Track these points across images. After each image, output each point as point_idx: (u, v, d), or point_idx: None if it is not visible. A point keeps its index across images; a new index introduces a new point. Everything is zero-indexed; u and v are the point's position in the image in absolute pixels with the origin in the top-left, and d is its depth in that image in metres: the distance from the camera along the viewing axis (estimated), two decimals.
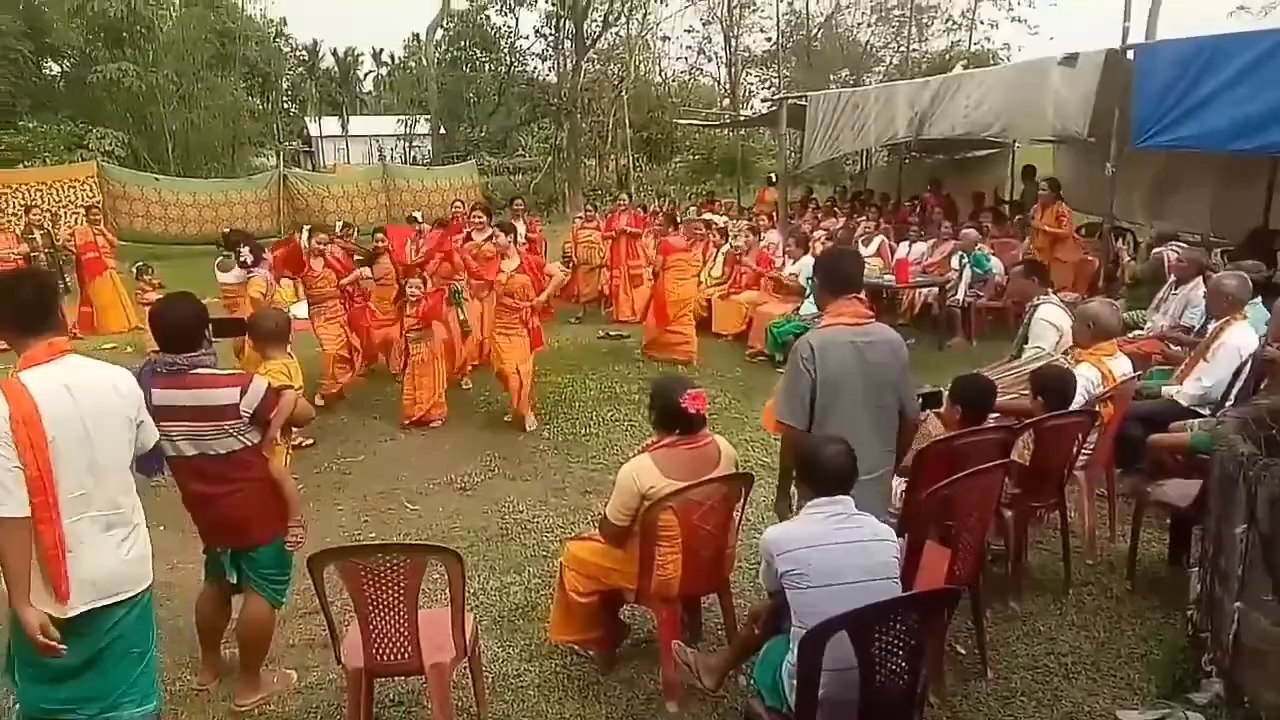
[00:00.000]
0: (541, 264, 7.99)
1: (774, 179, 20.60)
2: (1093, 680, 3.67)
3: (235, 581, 3.60)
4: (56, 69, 28.45)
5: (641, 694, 3.69)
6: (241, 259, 7.63)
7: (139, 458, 3.05)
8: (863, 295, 3.62)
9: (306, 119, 45.32)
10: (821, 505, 2.93)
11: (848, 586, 2.75)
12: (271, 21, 35.21)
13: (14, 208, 16.69)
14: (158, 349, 3.45)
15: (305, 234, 8.51)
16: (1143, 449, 5.01)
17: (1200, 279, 6.88)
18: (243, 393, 3.32)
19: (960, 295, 9.65)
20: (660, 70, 36.20)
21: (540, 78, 33.18)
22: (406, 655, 3.16)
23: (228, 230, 9.64)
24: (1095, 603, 4.24)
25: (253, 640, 3.66)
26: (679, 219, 13.87)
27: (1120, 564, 4.57)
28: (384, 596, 3.09)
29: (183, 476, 3.44)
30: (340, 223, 12.14)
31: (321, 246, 8.08)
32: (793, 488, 3.43)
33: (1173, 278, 7.17)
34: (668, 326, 9.45)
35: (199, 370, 3.32)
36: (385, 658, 3.18)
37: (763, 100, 29.61)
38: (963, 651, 3.83)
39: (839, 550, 2.82)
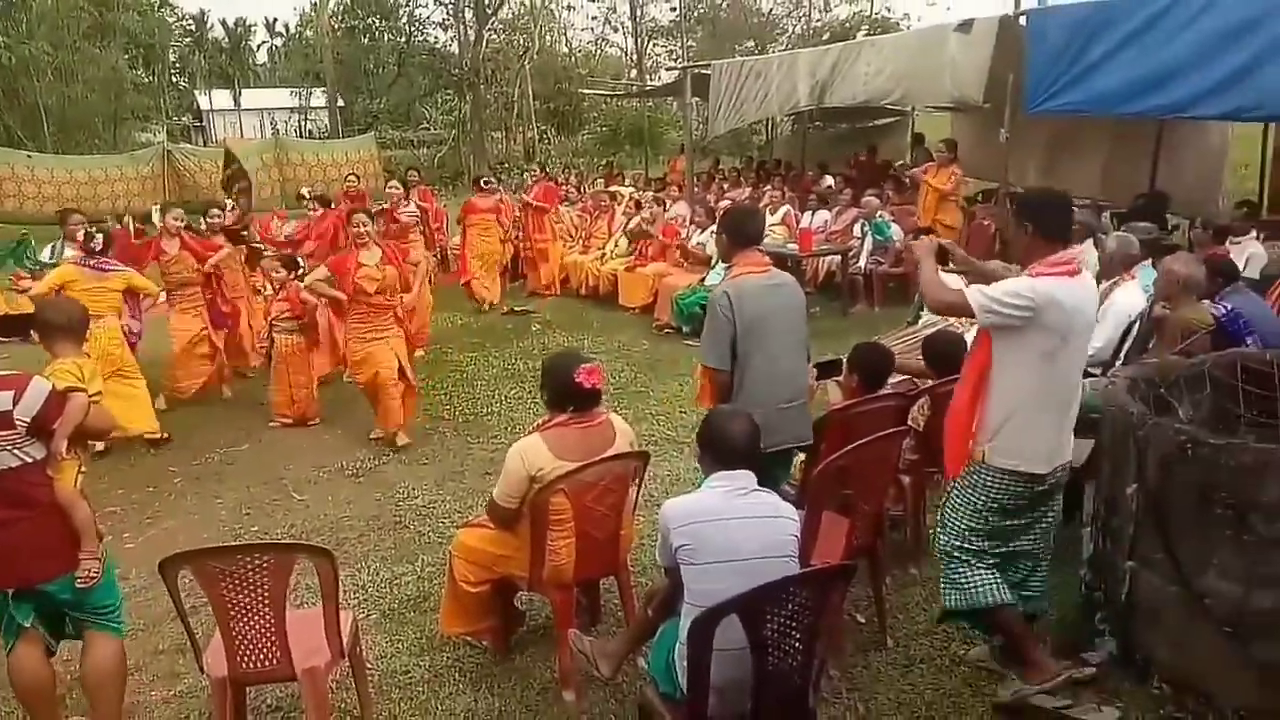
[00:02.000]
0: (406, 252, 7.30)
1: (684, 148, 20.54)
2: (992, 645, 3.64)
3: (29, 624, 3.00)
4: None
5: (537, 684, 3.54)
6: (91, 245, 6.35)
7: None
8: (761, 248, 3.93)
9: (196, 92, 43.38)
10: (722, 479, 2.78)
11: (742, 563, 2.62)
12: None
13: None
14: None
15: (157, 212, 7.81)
16: None
17: (1090, 241, 7.00)
18: (16, 398, 2.81)
19: (862, 263, 9.70)
20: (566, 41, 35.65)
21: (442, 48, 32.32)
22: (275, 661, 2.93)
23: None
24: None
25: (104, 684, 3.11)
26: (585, 190, 13.70)
27: None
28: (247, 601, 2.84)
29: None
30: (229, 200, 11.59)
31: (177, 224, 7.19)
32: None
33: None
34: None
35: None
36: (252, 665, 2.94)
37: (668, 70, 29.39)
38: (862, 620, 3.79)
39: (735, 525, 2.68)
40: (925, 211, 9.84)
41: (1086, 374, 5.10)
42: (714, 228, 9.57)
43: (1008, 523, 3.22)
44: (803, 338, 3.92)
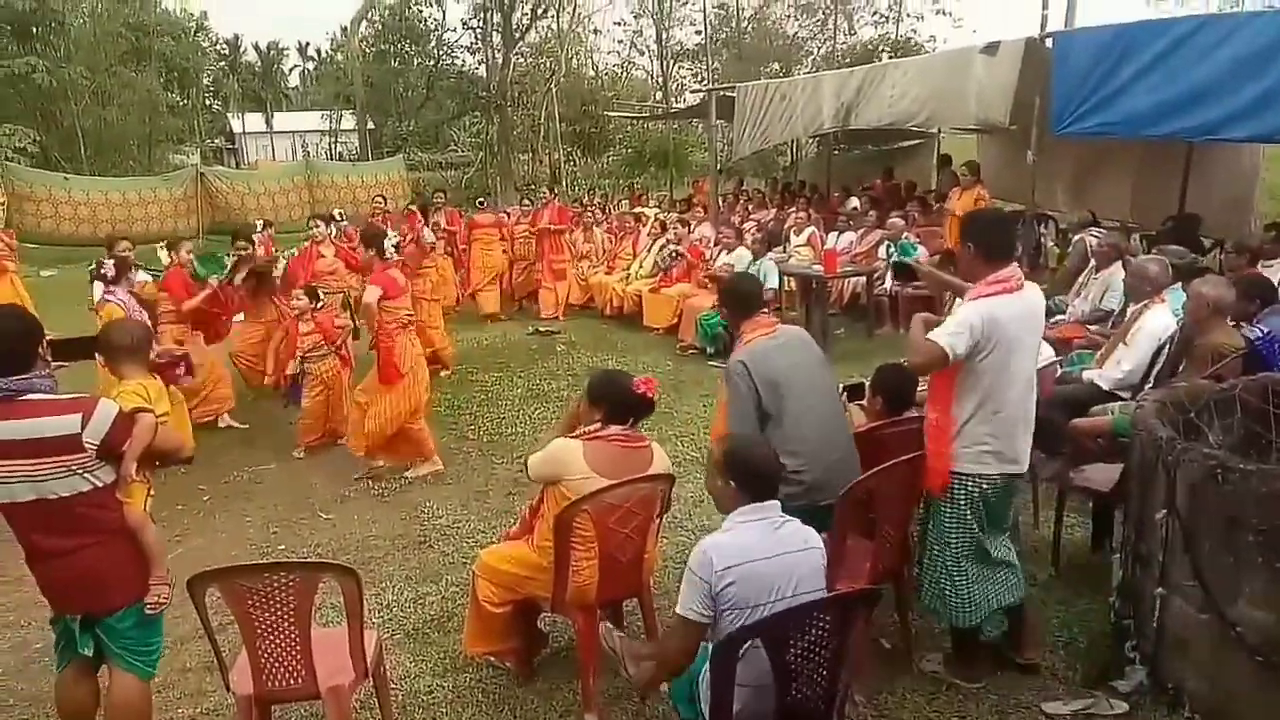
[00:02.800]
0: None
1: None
2: (1018, 671, 3.60)
3: (89, 654, 2.98)
4: None
5: (560, 706, 3.54)
6: (102, 271, 6.33)
7: None
8: (766, 308, 3.89)
9: (229, 115, 44.10)
10: (755, 511, 2.68)
11: (787, 600, 2.57)
12: (191, 15, 34.20)
13: None
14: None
15: (163, 250, 7.58)
16: (1064, 434, 5.00)
17: (1119, 263, 6.95)
18: (85, 420, 2.75)
19: (888, 285, 9.66)
20: (592, 63, 35.91)
21: (470, 71, 32.68)
22: (300, 680, 2.94)
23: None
24: None
25: None
26: (610, 211, 13.77)
27: (1044, 551, 4.55)
28: (273, 619, 2.86)
29: (20, 527, 2.85)
30: (260, 221, 11.72)
31: (189, 256, 7.32)
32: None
33: (1093, 263, 7.23)
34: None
35: (31, 396, 2.75)
36: (277, 683, 2.95)
37: (693, 92, 29.54)
38: (888, 645, 3.75)
39: (777, 561, 2.61)
40: (951, 234, 9.81)
41: (1115, 398, 5.11)
42: (740, 250, 9.64)
43: (987, 529, 3.39)
44: (830, 388, 3.87)
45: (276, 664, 2.93)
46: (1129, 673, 3.43)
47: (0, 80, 23.90)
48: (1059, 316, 7.08)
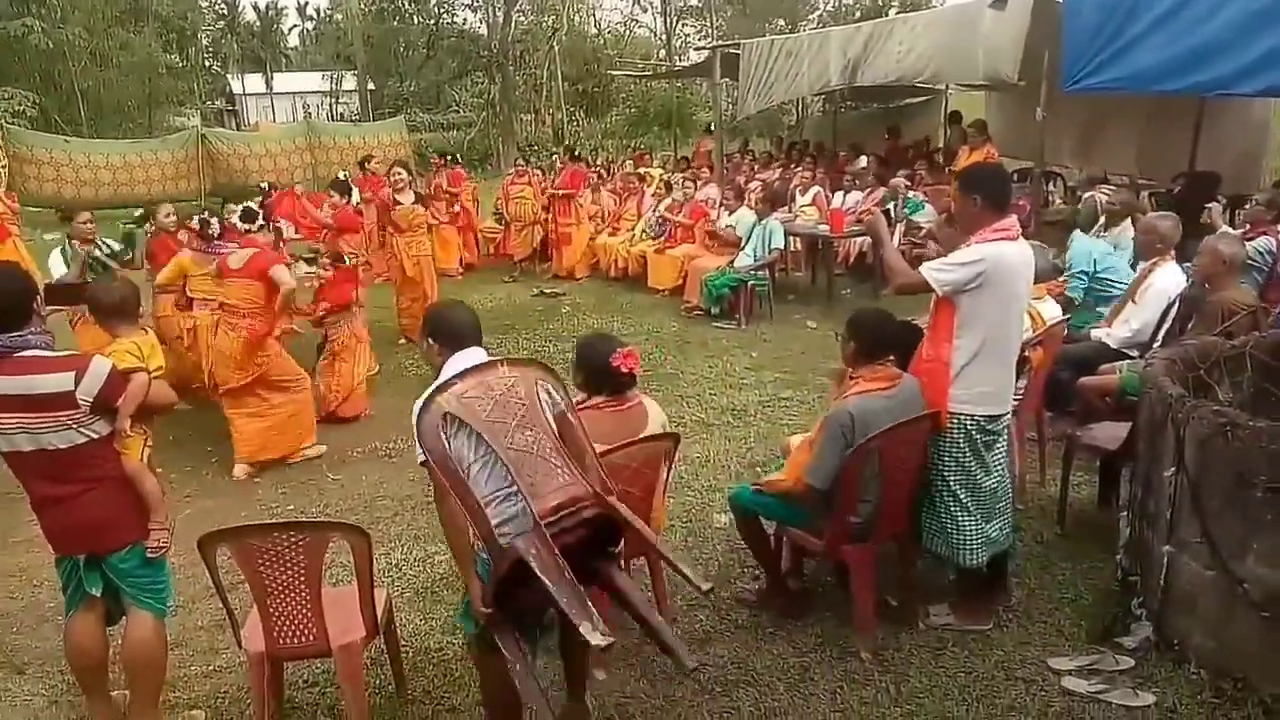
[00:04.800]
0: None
1: (710, 128, 20.38)
2: (1024, 628, 3.63)
3: (97, 593, 3.08)
4: None
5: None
6: (208, 229, 6.09)
7: None
8: (892, 356, 3.59)
9: (229, 77, 43.68)
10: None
11: None
12: None
13: None
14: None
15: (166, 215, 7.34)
16: (1072, 392, 4.99)
17: (1129, 221, 6.89)
18: (78, 377, 2.84)
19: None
20: (595, 21, 35.49)
21: (471, 29, 32.31)
22: (311, 638, 2.97)
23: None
24: (1026, 549, 4.21)
25: (143, 664, 3.14)
26: (613, 172, 13.67)
27: (1051, 509, 4.56)
28: (283, 577, 2.89)
29: (23, 475, 2.98)
30: (264, 183, 11.68)
31: (168, 220, 7.10)
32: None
33: (1102, 220, 7.17)
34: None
35: (26, 352, 2.84)
36: (288, 641, 2.99)
37: (697, 50, 29.17)
38: (894, 602, 3.77)
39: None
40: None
41: (1123, 356, 5.09)
42: (742, 211, 9.56)
43: (982, 466, 3.49)
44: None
45: (288, 622, 2.97)
46: (1135, 629, 3.46)
47: None
48: (1063, 275, 7.02)
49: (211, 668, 3.69)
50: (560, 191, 11.44)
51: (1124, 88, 7.43)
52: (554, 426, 2.65)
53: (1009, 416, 3.60)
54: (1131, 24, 6.95)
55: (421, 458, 2.55)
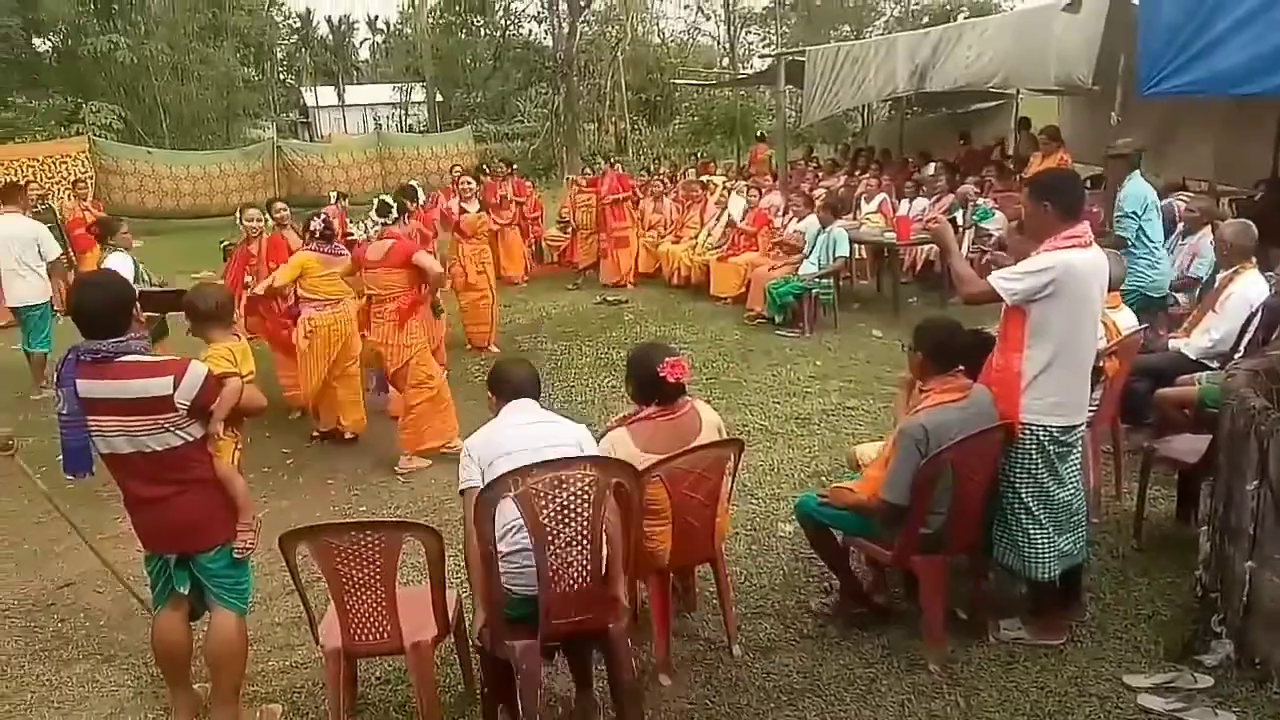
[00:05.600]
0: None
1: (762, 135, 20.33)
2: (1098, 643, 3.55)
3: (185, 591, 3.20)
4: (46, 44, 28.12)
5: (635, 667, 3.58)
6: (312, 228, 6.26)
7: (65, 456, 3.04)
8: (962, 367, 3.56)
9: (302, 89, 44.89)
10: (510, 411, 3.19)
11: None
12: None
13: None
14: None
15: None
16: (1149, 404, 4.87)
17: (1208, 229, 6.69)
18: (177, 382, 2.92)
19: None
20: (659, 30, 35.66)
21: (536, 41, 32.74)
22: (385, 635, 3.05)
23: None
24: (1101, 563, 4.12)
25: (224, 661, 3.24)
26: (677, 180, 13.70)
27: (1127, 523, 4.45)
28: (360, 576, 2.97)
29: (120, 476, 3.08)
30: (334, 193, 11.95)
31: (282, 213, 7.30)
32: None
33: (1180, 227, 6.97)
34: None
35: (127, 358, 2.94)
36: (363, 638, 3.07)
37: (761, 58, 29.12)
38: (963, 616, 3.72)
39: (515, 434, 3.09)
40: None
41: (1202, 367, 4.95)
42: (811, 218, 9.50)
43: (1054, 478, 3.43)
44: None
45: (363, 619, 3.04)
46: (1215, 646, 3.36)
47: (86, 58, 24.71)
48: None
49: (288, 663, 3.80)
50: (610, 197, 11.43)
51: (1205, 90, 7.20)
52: (603, 536, 2.96)
53: (1084, 428, 3.53)
54: (1212, 24, 6.73)
55: (461, 486, 2.98)
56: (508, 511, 2.87)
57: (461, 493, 2.98)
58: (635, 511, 3.06)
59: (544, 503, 2.78)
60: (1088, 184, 10.37)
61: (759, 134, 20.52)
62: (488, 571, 2.87)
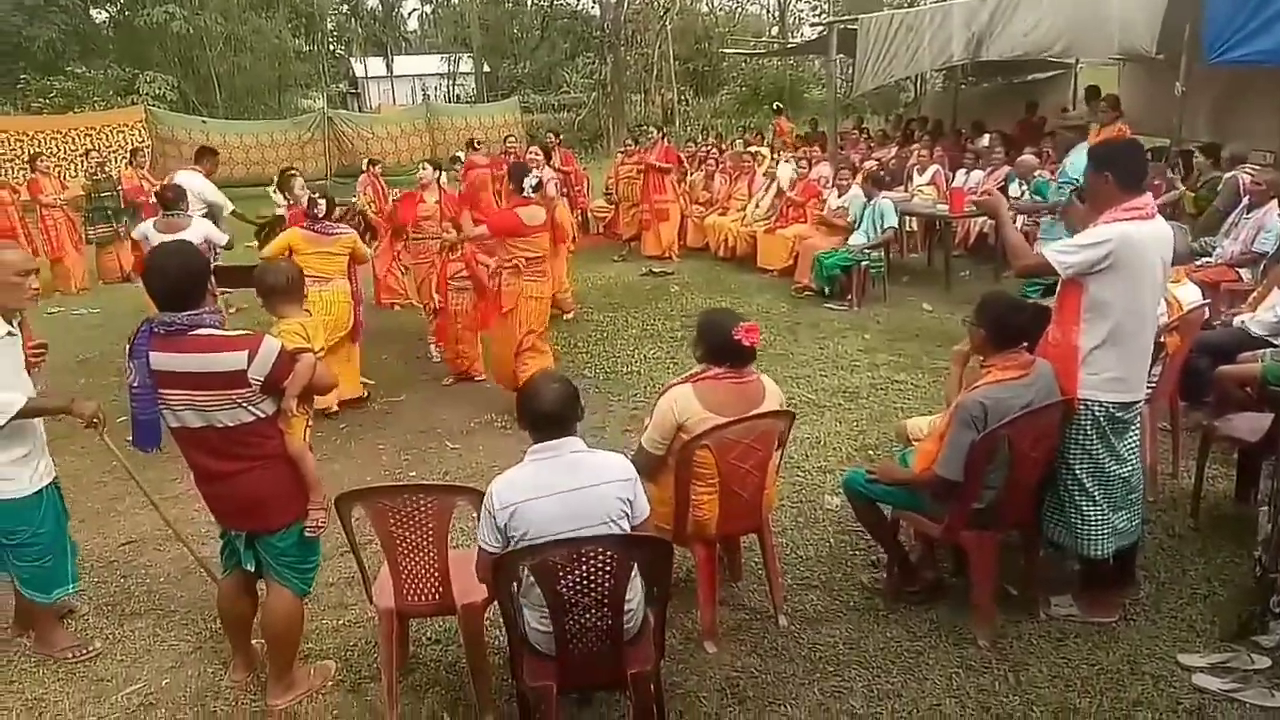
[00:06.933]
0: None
1: (778, 107, 20.13)
2: (1152, 622, 3.51)
3: (251, 569, 3.22)
4: (104, 15, 28.57)
5: (679, 634, 3.61)
6: (315, 209, 6.33)
7: (135, 429, 3.02)
8: (1027, 343, 3.46)
9: (352, 60, 45.11)
10: (542, 450, 2.79)
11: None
12: None
13: (65, 152, 16.92)
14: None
15: (275, 193, 7.90)
16: (1209, 381, 4.76)
17: (1275, 203, 6.49)
18: (251, 357, 2.86)
19: (1019, 224, 9.26)
20: None
21: (584, 10, 32.54)
22: (437, 596, 3.11)
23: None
24: (1156, 541, 4.05)
25: (279, 635, 3.27)
26: (725, 151, 13.57)
27: (1184, 501, 4.37)
28: (413, 537, 3.03)
29: (190, 450, 3.04)
30: (367, 161, 12.02)
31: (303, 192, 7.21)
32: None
33: (1245, 201, 6.77)
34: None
35: (200, 331, 2.89)
36: (415, 598, 3.13)
37: (812, 25, 28.65)
38: (1014, 592, 3.69)
39: (548, 502, 2.68)
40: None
41: (1265, 344, 4.81)
42: (854, 190, 9.36)
43: (1111, 454, 3.38)
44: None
45: (416, 580, 3.10)
46: (1273, 627, 3.31)
47: (142, 29, 25.09)
48: (1205, 259, 6.68)
49: (341, 622, 3.89)
50: (658, 164, 11.30)
51: (1272, 60, 6.99)
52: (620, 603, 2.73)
53: (1142, 404, 3.47)
54: None
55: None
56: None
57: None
58: (668, 575, 2.86)
59: (562, 574, 2.61)
60: (1149, 155, 10.14)
61: (776, 107, 20.22)
62: (504, 611, 2.80)
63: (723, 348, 3.39)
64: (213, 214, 8.51)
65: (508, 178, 6.68)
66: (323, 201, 6.41)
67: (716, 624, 3.55)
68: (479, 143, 12.44)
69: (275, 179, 8.16)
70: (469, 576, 3.13)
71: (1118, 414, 3.34)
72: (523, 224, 5.97)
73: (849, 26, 11.52)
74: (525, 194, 6.05)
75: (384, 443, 5.96)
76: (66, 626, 3.92)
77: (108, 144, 17.57)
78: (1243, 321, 5.04)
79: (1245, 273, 6.35)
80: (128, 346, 2.97)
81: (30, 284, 3.36)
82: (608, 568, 2.62)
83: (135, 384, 2.96)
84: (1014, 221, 4.32)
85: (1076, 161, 6.16)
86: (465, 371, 7.10)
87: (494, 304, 6.18)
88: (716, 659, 3.46)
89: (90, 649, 3.78)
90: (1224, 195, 7.30)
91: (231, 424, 2.94)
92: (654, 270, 10.77)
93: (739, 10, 35.52)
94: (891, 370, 6.75)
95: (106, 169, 12.47)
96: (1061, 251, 3.28)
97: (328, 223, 6.38)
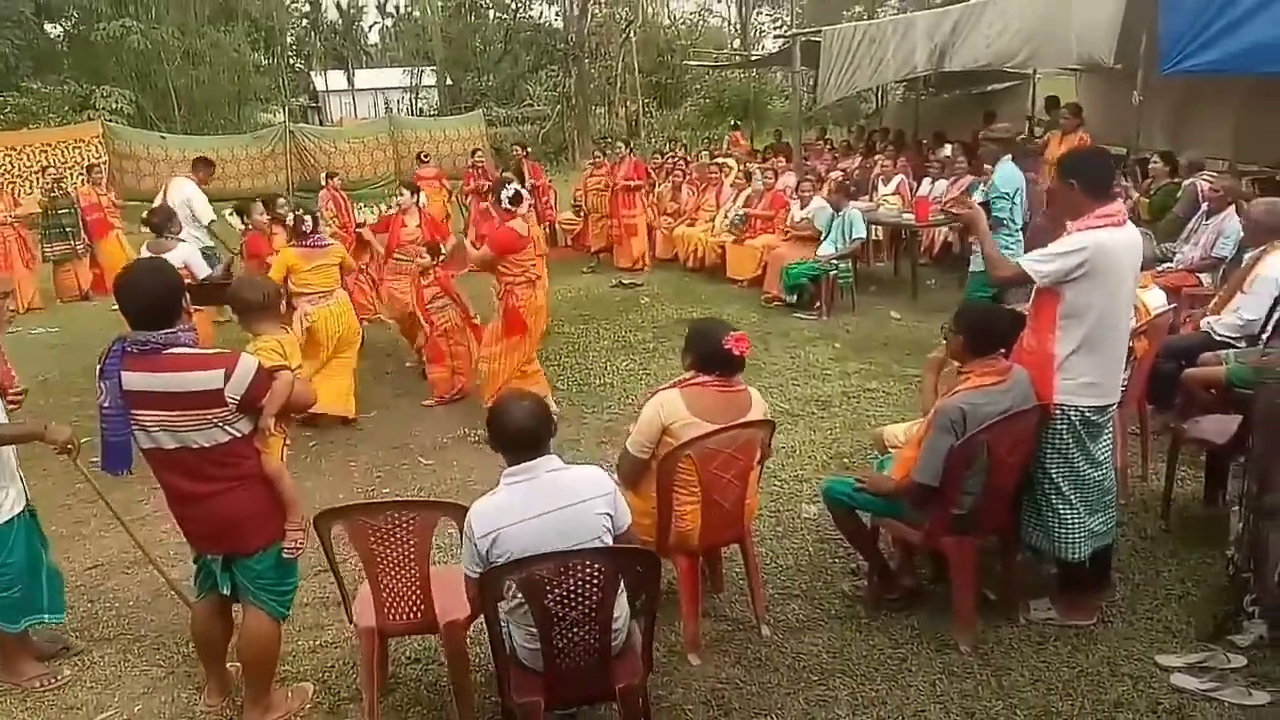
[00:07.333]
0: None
1: (735, 124, 20.40)
2: (1129, 624, 3.55)
3: (226, 592, 3.14)
4: (59, 29, 28.11)
5: (662, 646, 3.58)
6: (303, 225, 6.38)
7: (105, 452, 2.90)
8: (1005, 349, 3.49)
9: (312, 74, 44.77)
10: (518, 473, 2.74)
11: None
12: None
13: (19, 169, 16.57)
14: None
15: (233, 217, 7.86)
16: (1175, 384, 4.84)
17: (1232, 208, 6.63)
18: (228, 375, 2.80)
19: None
20: (669, 12, 35.45)
21: (547, 24, 32.58)
22: (419, 614, 3.07)
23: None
24: (1129, 544, 4.11)
25: (256, 659, 3.19)
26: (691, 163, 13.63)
27: (1154, 504, 4.44)
28: (394, 555, 2.99)
29: (163, 472, 2.95)
30: (324, 174, 11.91)
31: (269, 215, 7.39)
32: None
33: (1204, 207, 6.91)
34: None
35: (175, 349, 2.82)
36: (397, 617, 3.09)
37: (775, 38, 28.89)
38: (992, 596, 3.71)
39: (525, 526, 2.64)
40: (1050, 180, 9.45)
41: (1230, 345, 4.91)
42: (817, 200, 9.43)
43: (1086, 458, 3.42)
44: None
45: (397, 598, 3.06)
46: (1247, 626, 3.36)
47: (98, 44, 24.72)
48: (1166, 264, 6.80)
49: (318, 642, 3.82)
50: (631, 183, 11.40)
51: (1227, 69, 7.14)
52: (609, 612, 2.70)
53: (1115, 408, 3.51)
54: (1233, 4, 6.68)
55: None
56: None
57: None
58: (655, 587, 2.84)
59: (549, 589, 2.58)
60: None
61: (733, 123, 20.55)
62: (490, 627, 2.75)
63: (712, 357, 3.39)
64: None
65: (490, 195, 6.67)
66: (309, 217, 6.38)
67: (699, 636, 3.54)
68: (426, 155, 12.39)
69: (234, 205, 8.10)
70: (450, 594, 3.10)
71: (1092, 418, 3.38)
72: (520, 237, 5.95)
73: (813, 39, 11.64)
74: (506, 207, 6.03)
75: (355, 460, 5.88)
76: (58, 664, 3.80)
77: (64, 160, 17.18)
78: (1208, 324, 5.13)
79: (1205, 277, 6.48)
80: (98, 366, 2.89)
81: (8, 306, 3.28)
82: (595, 581, 2.59)
83: (106, 404, 2.87)
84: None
85: (1004, 174, 6.32)
86: (458, 392, 6.91)
87: (515, 323, 6.04)
88: (701, 671, 3.45)
89: (59, 677, 3.68)
90: (1183, 202, 7.45)
91: (207, 444, 2.87)
92: (624, 282, 10.78)
93: (700, 23, 35.74)
94: (863, 378, 6.79)
95: (64, 185, 12.22)
96: (1038, 261, 3.32)
97: (317, 235, 6.38)
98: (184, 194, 8.28)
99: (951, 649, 3.45)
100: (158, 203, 7.80)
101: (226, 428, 2.88)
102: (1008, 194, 6.19)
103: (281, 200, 7.45)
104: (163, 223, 6.89)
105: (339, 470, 5.74)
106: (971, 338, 3.44)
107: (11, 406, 3.54)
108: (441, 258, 6.84)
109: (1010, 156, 6.50)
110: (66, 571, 4.58)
